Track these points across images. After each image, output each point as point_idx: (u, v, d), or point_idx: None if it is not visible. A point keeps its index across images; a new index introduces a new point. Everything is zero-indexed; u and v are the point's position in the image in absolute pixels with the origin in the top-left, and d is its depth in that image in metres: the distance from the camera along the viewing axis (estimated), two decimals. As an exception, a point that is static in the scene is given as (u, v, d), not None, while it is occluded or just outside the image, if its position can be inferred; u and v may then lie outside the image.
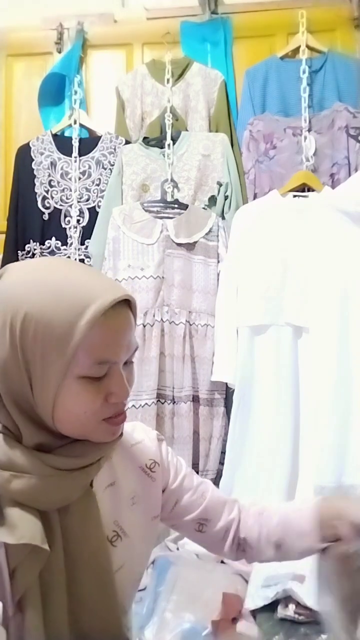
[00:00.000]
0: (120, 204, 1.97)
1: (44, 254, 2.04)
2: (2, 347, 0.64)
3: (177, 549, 1.54)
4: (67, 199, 2.06)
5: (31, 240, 2.05)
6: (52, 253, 2.03)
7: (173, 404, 1.79)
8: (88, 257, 2.01)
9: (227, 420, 1.81)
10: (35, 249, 2.05)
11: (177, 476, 0.87)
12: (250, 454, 1.73)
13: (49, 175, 2.06)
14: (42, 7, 2.23)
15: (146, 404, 1.75)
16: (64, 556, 0.68)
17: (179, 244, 1.86)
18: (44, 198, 2.06)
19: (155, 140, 2.02)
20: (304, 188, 1.87)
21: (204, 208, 1.96)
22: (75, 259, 2.02)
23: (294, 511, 0.90)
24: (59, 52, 2.22)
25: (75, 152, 2.06)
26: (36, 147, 2.09)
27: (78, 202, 2.05)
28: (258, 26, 2.15)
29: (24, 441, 0.67)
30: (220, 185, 1.96)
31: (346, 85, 2.02)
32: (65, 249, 2.04)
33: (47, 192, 2.06)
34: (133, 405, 1.74)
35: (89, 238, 1.99)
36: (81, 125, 2.10)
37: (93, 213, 2.03)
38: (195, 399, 1.81)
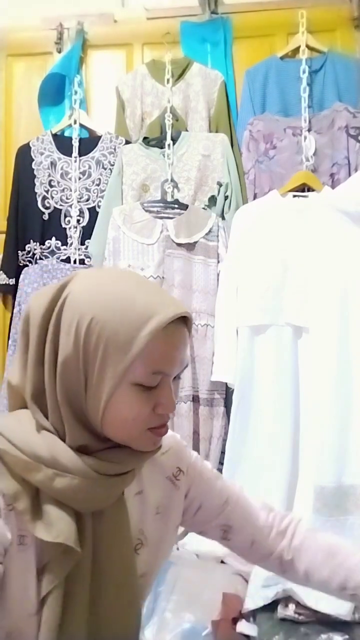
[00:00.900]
0: (120, 204, 1.97)
1: (44, 254, 2.04)
2: (66, 347, 0.67)
3: (177, 549, 1.54)
4: (67, 199, 2.06)
5: (31, 240, 2.06)
6: (52, 253, 2.03)
7: (173, 404, 1.79)
8: (88, 257, 2.01)
9: (227, 420, 1.81)
10: (35, 249, 2.05)
11: (201, 480, 0.86)
12: (250, 454, 1.73)
13: (49, 175, 2.06)
14: (42, 7, 2.23)
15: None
16: (92, 560, 0.69)
17: (179, 244, 1.86)
18: (44, 198, 2.06)
19: (155, 141, 2.02)
20: (304, 188, 1.87)
21: (204, 208, 1.96)
22: (75, 259, 2.02)
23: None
24: (59, 52, 2.22)
25: (75, 152, 2.06)
26: (36, 147, 2.09)
27: (78, 202, 2.05)
28: (258, 26, 2.15)
29: (68, 441, 0.68)
30: (220, 185, 1.96)
31: (346, 85, 2.01)
32: (65, 249, 2.04)
33: (47, 192, 2.06)
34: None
35: (89, 238, 1.99)
36: (81, 125, 2.10)
37: (93, 213, 2.03)
38: (195, 399, 1.81)
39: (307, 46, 2.02)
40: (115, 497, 0.71)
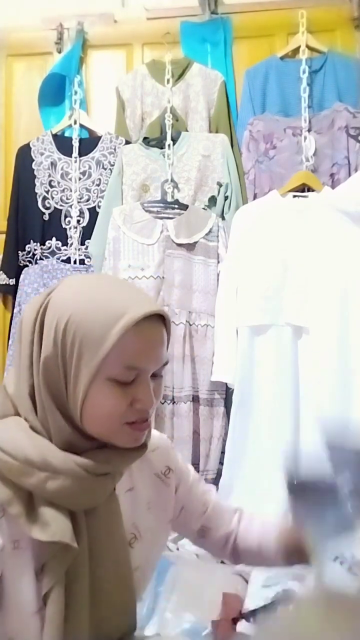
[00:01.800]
0: (120, 204, 1.97)
1: (45, 254, 2.04)
2: (47, 346, 0.70)
3: (177, 549, 1.54)
4: (67, 199, 2.06)
5: (31, 241, 2.06)
6: (52, 253, 2.04)
7: (173, 404, 1.79)
8: (88, 257, 2.01)
9: (227, 420, 1.82)
10: (35, 249, 2.05)
11: (186, 483, 0.91)
12: (250, 454, 1.73)
13: (49, 176, 2.07)
14: (42, 7, 2.23)
15: (146, 404, 1.75)
16: (89, 555, 0.72)
17: (179, 244, 1.86)
18: (44, 198, 2.06)
19: (155, 141, 2.02)
20: (303, 188, 1.87)
21: (204, 208, 1.96)
22: (76, 260, 2.03)
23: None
24: (59, 52, 2.22)
25: (75, 153, 2.06)
26: (36, 148, 2.09)
27: (78, 202, 2.05)
28: (258, 26, 2.15)
29: (55, 440, 0.71)
30: (220, 185, 1.96)
31: (346, 85, 2.02)
32: (65, 249, 2.04)
33: (47, 192, 2.06)
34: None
35: (89, 238, 1.99)
36: (81, 126, 2.11)
37: (93, 213, 2.03)
38: (195, 399, 1.81)
39: (307, 46, 2.02)
40: (106, 494, 0.74)
